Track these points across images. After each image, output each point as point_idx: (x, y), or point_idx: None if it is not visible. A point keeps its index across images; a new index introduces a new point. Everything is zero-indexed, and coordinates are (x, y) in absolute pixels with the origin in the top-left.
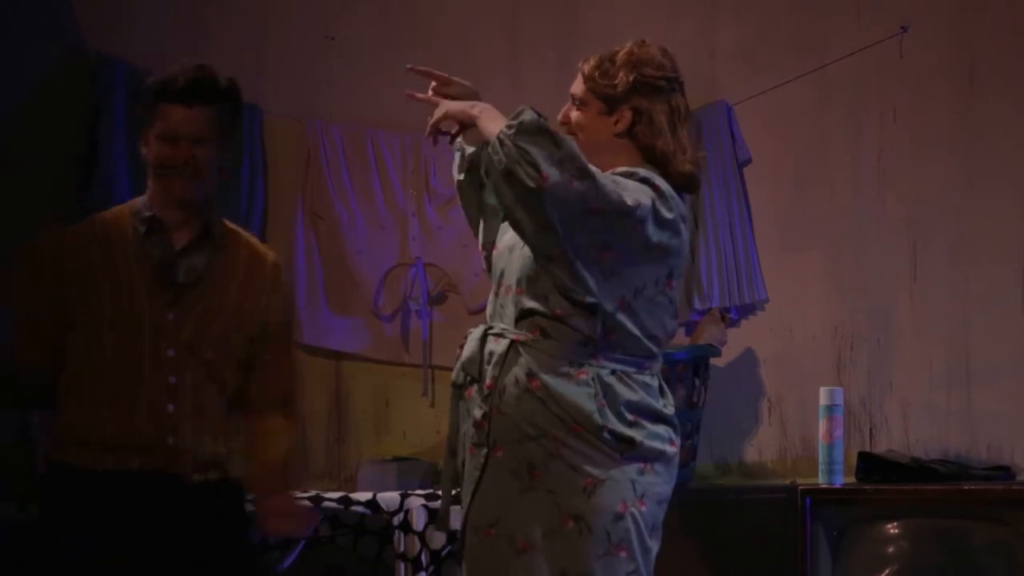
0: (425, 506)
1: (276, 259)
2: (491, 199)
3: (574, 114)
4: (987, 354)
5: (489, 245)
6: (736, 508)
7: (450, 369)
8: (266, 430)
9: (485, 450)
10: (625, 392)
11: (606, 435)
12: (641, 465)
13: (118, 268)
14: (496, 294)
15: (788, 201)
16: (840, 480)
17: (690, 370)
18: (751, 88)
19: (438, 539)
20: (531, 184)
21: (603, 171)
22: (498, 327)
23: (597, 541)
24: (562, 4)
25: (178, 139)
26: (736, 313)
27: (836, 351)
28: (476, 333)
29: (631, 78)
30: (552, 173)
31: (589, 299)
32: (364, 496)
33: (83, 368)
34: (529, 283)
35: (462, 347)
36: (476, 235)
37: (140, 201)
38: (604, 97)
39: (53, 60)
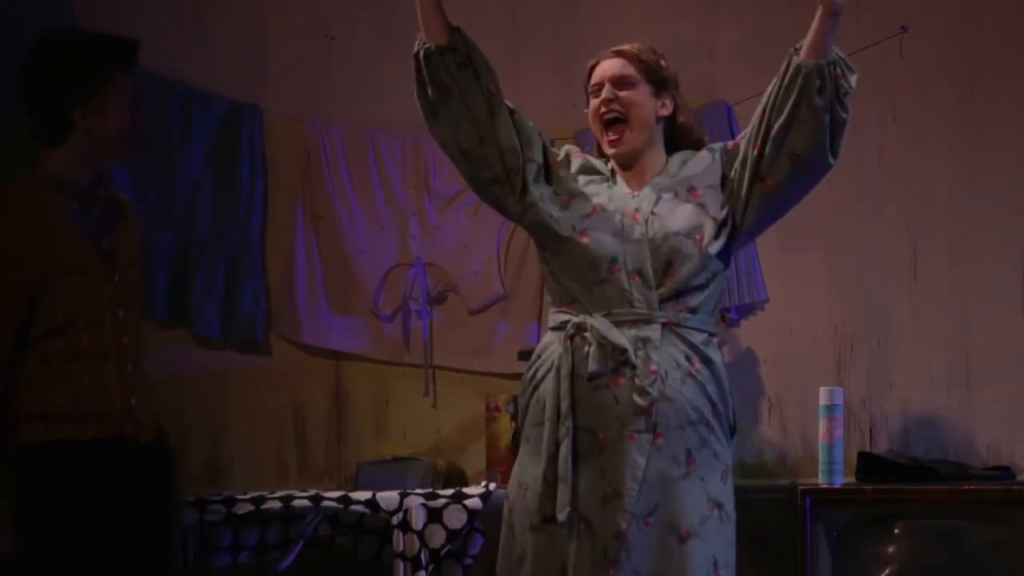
0: (424, 505)
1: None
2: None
3: (624, 93)
4: (987, 354)
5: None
6: (736, 508)
7: (450, 369)
8: None
9: (649, 436)
10: None
11: (732, 420)
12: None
13: (63, 245)
14: (605, 281)
15: None
16: (840, 480)
17: None
18: (751, 88)
19: (437, 538)
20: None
21: (639, 151)
22: (633, 313)
23: (732, 529)
24: (562, 4)
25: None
26: (736, 313)
27: (836, 351)
28: (601, 322)
29: (672, 69)
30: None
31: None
32: (363, 496)
33: (48, 348)
34: (684, 260)
35: (571, 338)
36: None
37: (48, 173)
38: (656, 79)
39: None
